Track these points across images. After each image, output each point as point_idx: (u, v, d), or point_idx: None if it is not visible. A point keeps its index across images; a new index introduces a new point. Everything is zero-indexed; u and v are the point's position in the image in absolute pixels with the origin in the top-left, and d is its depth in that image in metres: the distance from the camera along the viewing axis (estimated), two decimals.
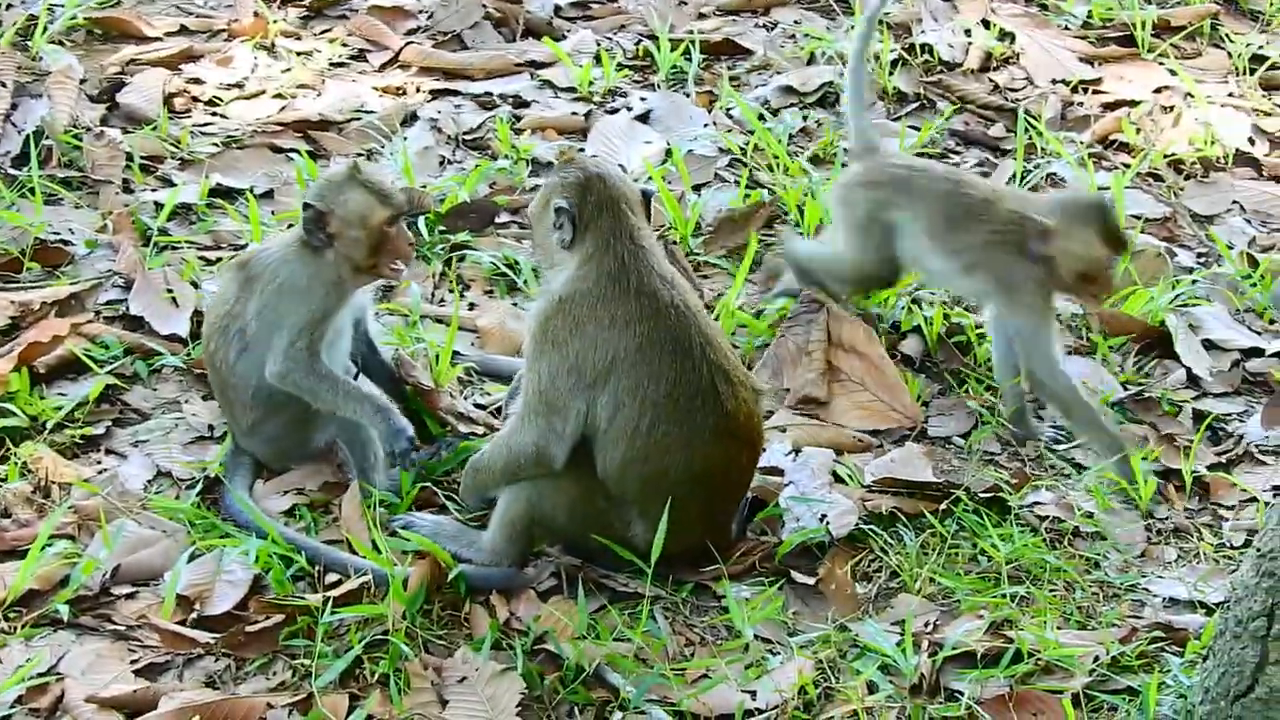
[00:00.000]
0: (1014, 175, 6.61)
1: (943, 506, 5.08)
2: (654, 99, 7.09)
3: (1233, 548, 5.12)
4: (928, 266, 5.64)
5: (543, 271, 4.94)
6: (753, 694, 4.48)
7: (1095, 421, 5.34)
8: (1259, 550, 4.05)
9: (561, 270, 4.81)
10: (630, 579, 4.79)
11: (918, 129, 6.93)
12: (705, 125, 6.93)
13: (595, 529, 4.76)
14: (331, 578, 4.75)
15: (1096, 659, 4.55)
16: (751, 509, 5.04)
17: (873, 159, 5.82)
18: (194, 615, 4.67)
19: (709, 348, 4.73)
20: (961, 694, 4.45)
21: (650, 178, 6.33)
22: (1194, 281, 6.15)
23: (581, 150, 6.70)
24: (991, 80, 7.42)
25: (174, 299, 5.75)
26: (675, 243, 6.17)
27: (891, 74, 7.28)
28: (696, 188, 6.54)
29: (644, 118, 6.99)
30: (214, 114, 6.85)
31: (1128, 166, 6.80)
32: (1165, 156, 6.92)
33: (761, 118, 6.90)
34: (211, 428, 5.30)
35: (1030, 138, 6.89)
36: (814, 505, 5.03)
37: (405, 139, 6.69)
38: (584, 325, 4.69)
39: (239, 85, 7.03)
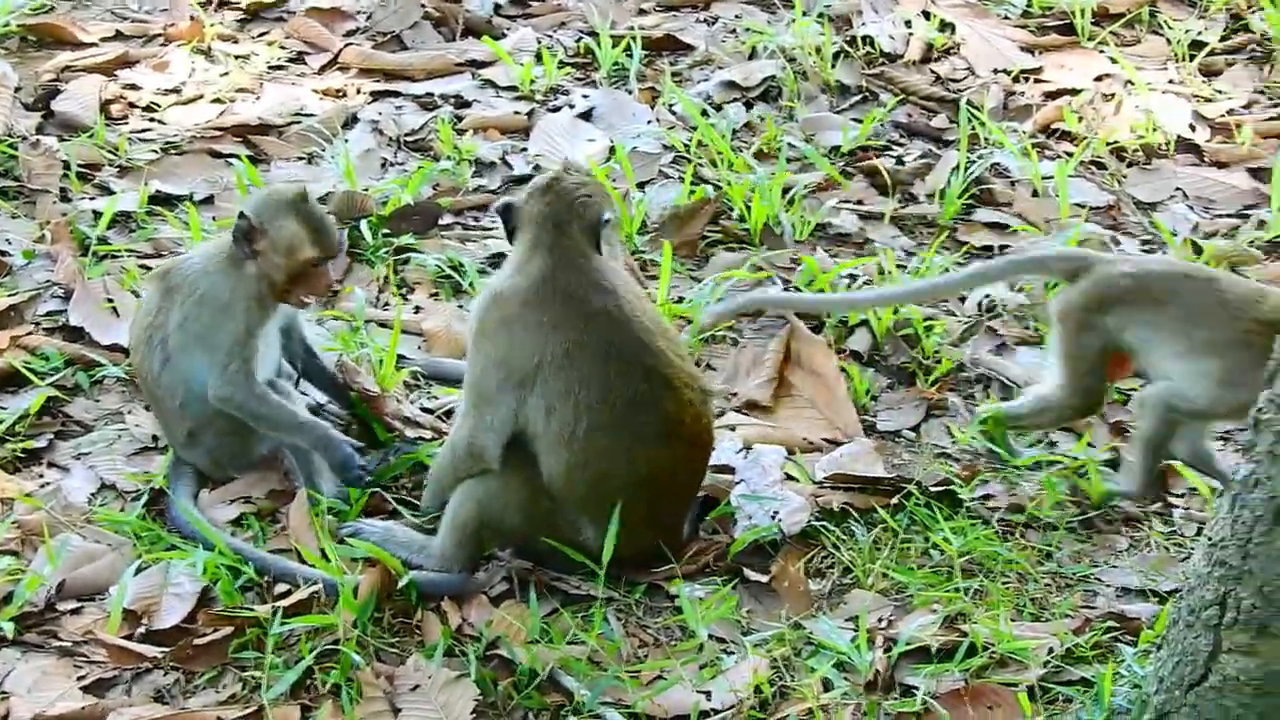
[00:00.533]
0: (957, 166, 6.60)
1: (894, 501, 5.07)
2: (596, 96, 7.06)
3: (1184, 536, 5.12)
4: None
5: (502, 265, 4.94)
6: (708, 694, 4.45)
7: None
8: (1210, 539, 4.04)
9: (508, 265, 4.81)
10: (582, 581, 4.76)
11: (860, 122, 6.91)
12: (648, 122, 6.90)
13: (545, 532, 4.73)
14: (281, 588, 4.70)
15: (1051, 651, 4.55)
16: (703, 508, 5.02)
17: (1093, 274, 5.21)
18: (141, 629, 4.62)
19: (646, 353, 4.70)
20: (917, 689, 4.44)
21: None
22: None
23: (524, 151, 6.67)
24: (933, 71, 7.42)
25: (114, 308, 5.70)
26: (620, 241, 6.13)
27: (833, 67, 7.26)
28: (641, 185, 6.51)
29: (587, 115, 6.96)
30: (152, 120, 6.78)
31: (1070, 155, 6.80)
32: (1108, 144, 6.92)
33: (704, 113, 6.88)
34: (155, 438, 5.25)
35: (973, 128, 6.88)
36: (766, 503, 5.01)
37: (346, 141, 6.64)
38: (512, 324, 4.68)
39: (176, 90, 6.97)
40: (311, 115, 6.81)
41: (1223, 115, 7.21)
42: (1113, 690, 4.29)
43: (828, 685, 4.49)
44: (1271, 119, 7.18)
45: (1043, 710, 4.35)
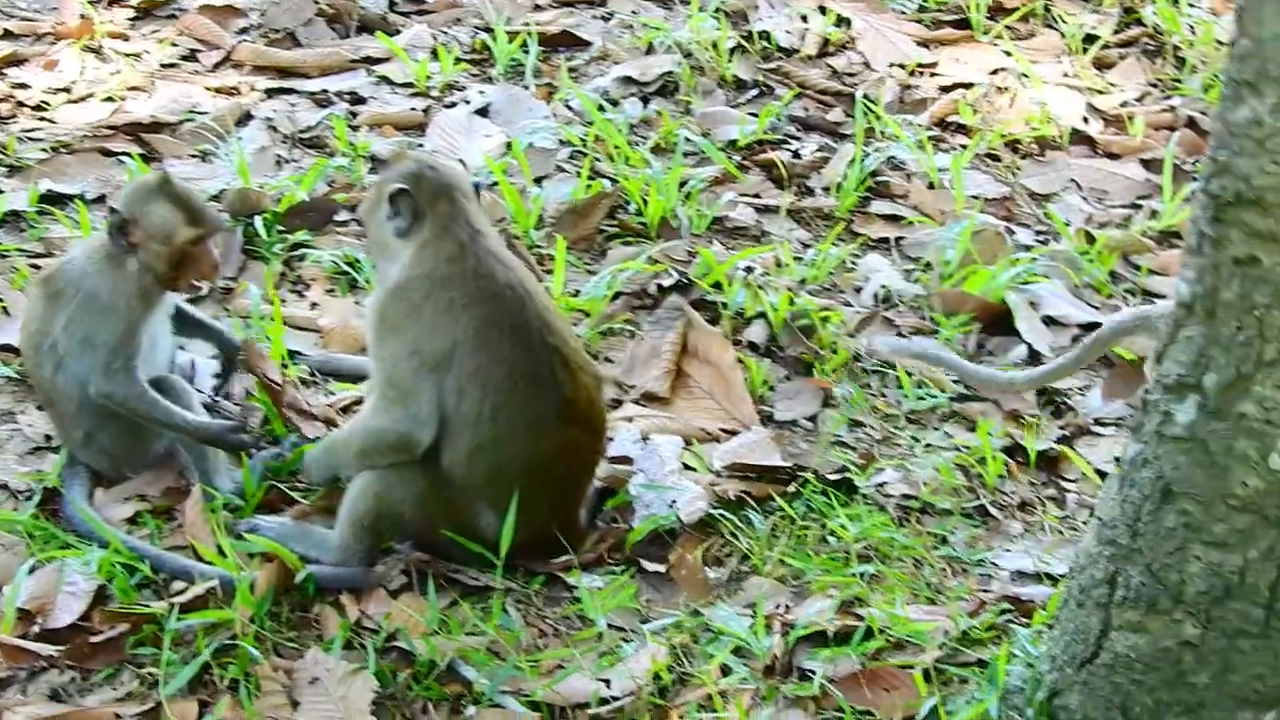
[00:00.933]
0: (853, 159, 6.64)
1: (791, 489, 5.09)
2: (493, 92, 7.05)
3: (1077, 520, 5.17)
4: None
5: (379, 266, 4.91)
6: (607, 682, 4.46)
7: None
8: (1100, 519, 4.09)
9: (398, 259, 4.79)
10: (481, 573, 4.75)
11: (757, 116, 6.94)
12: (545, 117, 6.90)
13: (443, 522, 4.73)
14: (178, 585, 4.67)
15: (946, 633, 4.58)
16: (600, 498, 5.03)
17: None
18: (36, 628, 4.57)
19: (547, 331, 4.72)
20: (814, 673, 4.46)
21: (490, 171, 6.31)
22: (1033, 259, 6.19)
23: (419, 147, 6.65)
24: (829, 66, 7.46)
25: (4, 308, 5.65)
26: (517, 237, 6.13)
27: (730, 62, 7.29)
28: (538, 180, 6.51)
29: (483, 111, 6.96)
30: (42, 119, 6.73)
31: (966, 148, 6.86)
32: (1002, 137, 6.98)
33: (601, 109, 6.89)
34: (48, 437, 5.20)
35: (869, 122, 6.92)
36: (663, 492, 5.02)
37: (240, 139, 6.61)
38: (421, 310, 4.68)
39: (67, 89, 6.91)
40: (204, 113, 6.77)
41: (1115, 108, 7.29)
42: (1007, 670, 4.32)
43: (726, 671, 4.50)
44: (1163, 111, 7.26)
45: (938, 691, 4.37)
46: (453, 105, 7.01)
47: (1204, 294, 3.81)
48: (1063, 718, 4.15)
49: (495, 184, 6.25)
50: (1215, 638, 3.94)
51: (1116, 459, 5.26)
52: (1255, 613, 3.91)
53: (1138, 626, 4.00)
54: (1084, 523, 5.13)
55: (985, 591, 4.82)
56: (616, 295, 5.91)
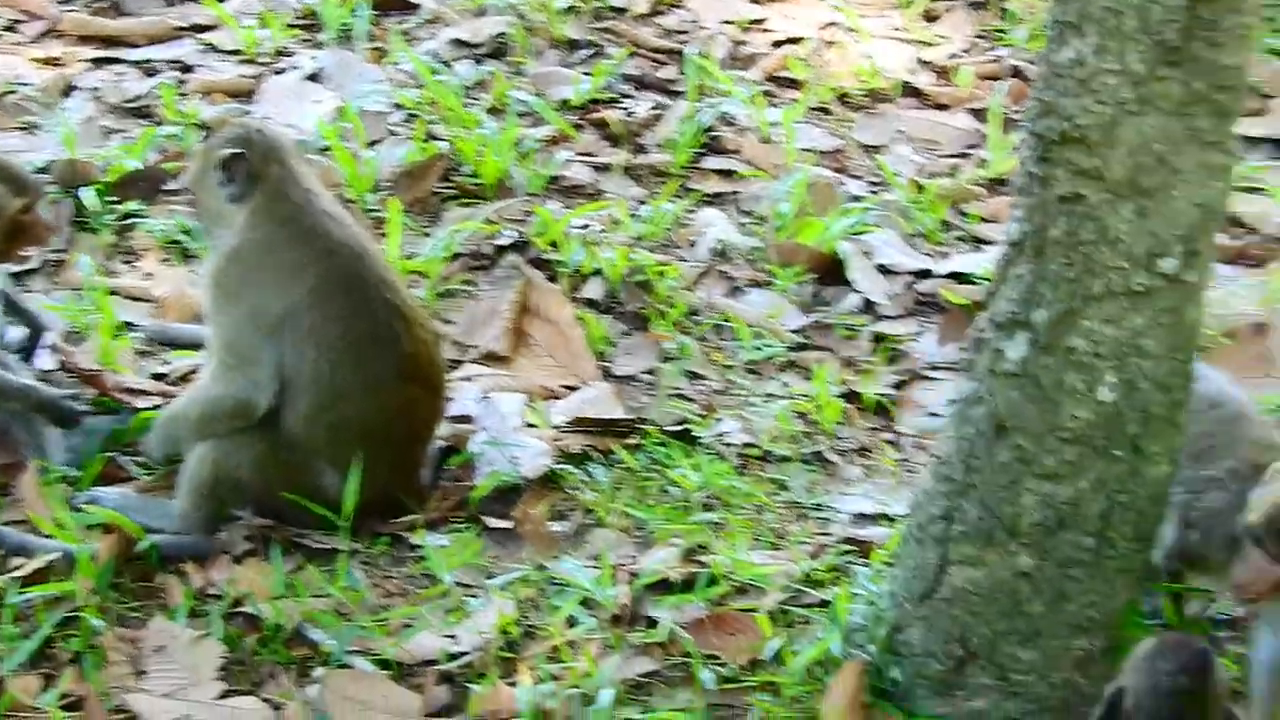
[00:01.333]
0: (686, 115, 6.68)
1: (633, 441, 5.13)
2: (323, 57, 7.01)
3: (914, 462, 5.25)
4: None
5: (211, 233, 4.88)
6: (454, 638, 4.47)
7: None
8: (937, 458, 4.16)
9: (231, 225, 4.76)
10: (325, 536, 4.74)
11: (590, 75, 6.96)
12: (377, 81, 6.87)
13: (285, 486, 4.71)
14: (17, 560, 4.61)
15: (789, 576, 4.64)
16: (442, 456, 5.03)
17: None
18: None
19: (385, 288, 4.73)
20: (661, 620, 4.50)
21: (324, 136, 6.28)
22: (865, 210, 6.27)
23: (249, 114, 6.59)
24: (660, 24, 7.48)
25: None
26: (352, 201, 6.10)
27: (562, 22, 7.30)
28: (371, 144, 6.48)
29: (314, 77, 6.91)
30: None
31: (797, 102, 6.92)
32: (833, 90, 7.05)
33: (434, 71, 6.86)
34: None
35: (701, 79, 6.96)
36: (506, 449, 5.04)
37: (66, 110, 6.51)
38: (258, 274, 4.66)
39: None
40: (28, 84, 6.66)
41: (943, 59, 7.38)
42: (849, 609, 4.39)
43: (573, 622, 4.52)
44: (989, 62, 7.36)
45: (783, 633, 4.43)
46: (283, 71, 6.95)
47: (1033, 232, 3.89)
48: (904, 652, 4.22)
49: (328, 148, 6.22)
50: (1050, 568, 4.03)
51: (951, 402, 5.40)
52: (1087, 542, 4.01)
53: (975, 560, 4.08)
54: (921, 465, 5.21)
55: (825, 535, 4.89)
56: (454, 256, 5.90)
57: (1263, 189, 6.41)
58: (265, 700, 4.26)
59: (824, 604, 4.53)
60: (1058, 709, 4.15)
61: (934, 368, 5.67)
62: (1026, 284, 3.92)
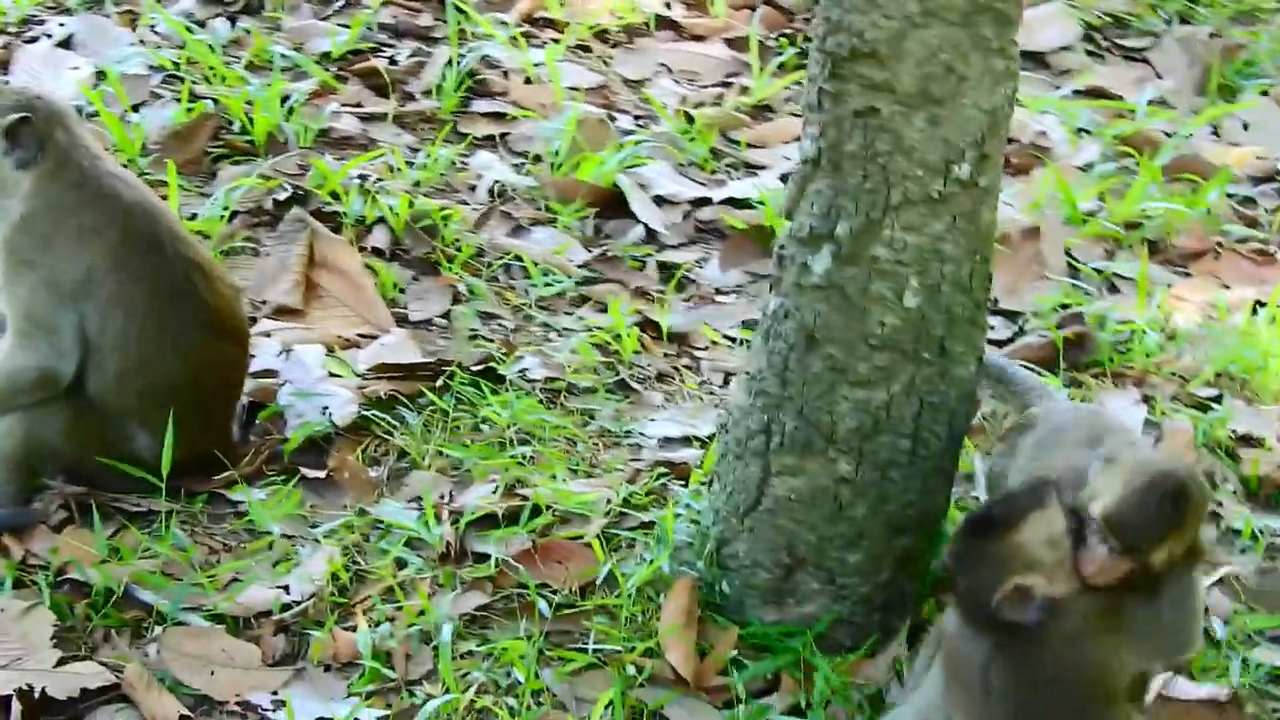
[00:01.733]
0: (449, 61, 6.71)
1: (439, 383, 5.18)
2: (73, 23, 6.88)
3: (713, 384, 5.38)
4: None
5: None
6: (286, 588, 4.50)
7: None
8: (749, 374, 4.28)
9: (17, 193, 4.69)
10: (142, 498, 4.72)
11: (347, 27, 6.95)
12: (132, 44, 6.78)
13: (97, 450, 4.68)
14: None
15: (609, 502, 4.74)
16: (250, 412, 5.03)
17: None
18: None
19: (181, 244, 4.75)
20: (489, 554, 4.57)
21: (90, 101, 6.20)
22: (637, 143, 6.37)
23: (5, 83, 6.47)
24: None
25: None
26: (125, 165, 6.03)
27: None
28: (135, 107, 6.40)
29: (66, 44, 6.79)
30: None
31: (557, 41, 6.99)
32: (590, 29, 7.13)
33: (189, 30, 6.80)
34: None
35: (460, 23, 6.99)
36: (313, 399, 5.06)
37: None
38: (52, 240, 4.62)
39: None
40: None
41: None
42: (674, 528, 4.50)
43: (402, 564, 4.57)
44: None
45: (612, 557, 4.53)
46: (34, 40, 6.82)
47: (829, 148, 4.02)
48: (732, 565, 4.35)
49: (95, 113, 6.14)
50: (868, 471, 4.19)
51: (744, 323, 5.58)
52: (902, 443, 4.17)
53: (796, 469, 4.21)
54: (720, 386, 5.34)
55: (638, 460, 4.99)
56: (233, 215, 5.88)
57: (1019, 100, 6.63)
58: (103, 664, 4.24)
59: (647, 526, 4.64)
60: (883, 607, 4.32)
61: (720, 292, 5.80)
62: (826, 198, 4.05)
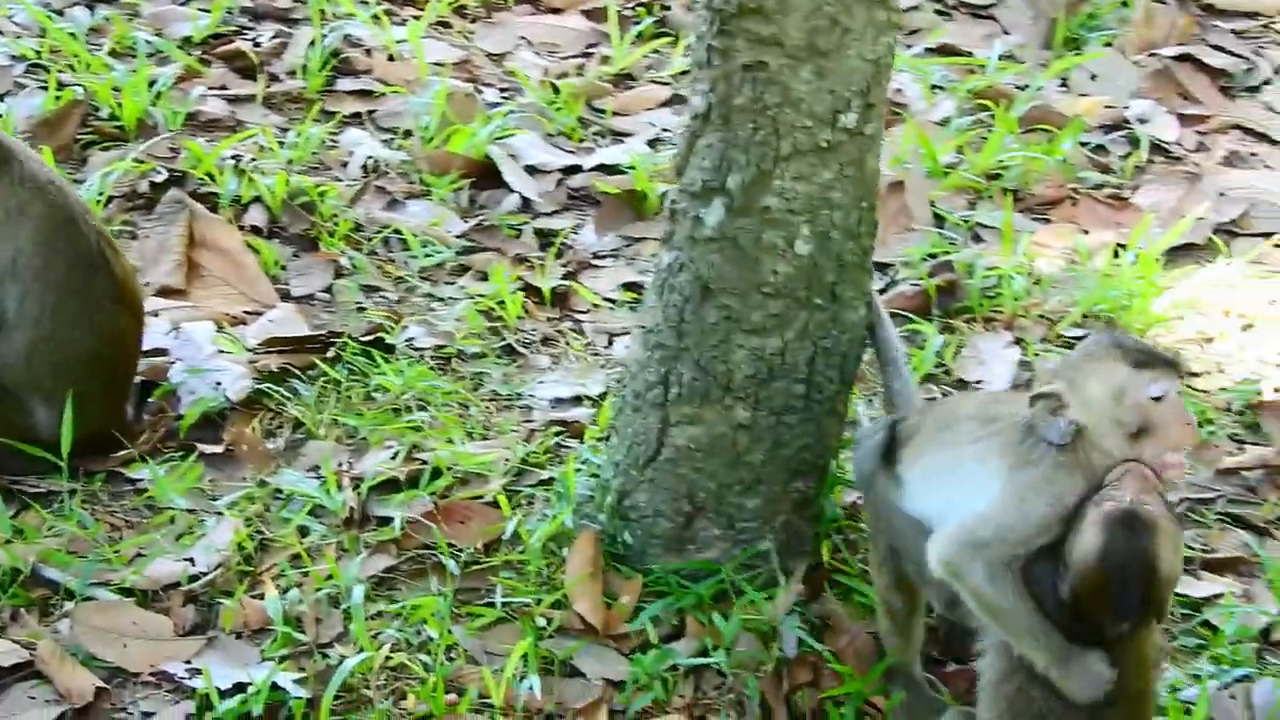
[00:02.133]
0: (312, 41, 6.74)
1: (330, 355, 5.23)
2: None
3: (597, 345, 5.47)
4: None
5: None
6: (192, 560, 4.54)
7: None
8: (645, 328, 4.38)
9: None
10: (40, 479, 4.75)
11: (208, 11, 6.96)
12: None
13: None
14: None
15: (508, 461, 4.83)
16: (144, 391, 5.06)
17: None
18: None
19: (90, 216, 4.84)
20: (392, 518, 4.64)
21: None
22: (506, 114, 6.44)
23: None
24: None
25: None
26: None
27: None
28: (0, 97, 6.39)
29: None
30: None
31: (418, 18, 7.03)
32: (450, 4, 7.18)
33: (50, 19, 6.77)
34: None
35: (321, 3, 7.01)
36: (206, 375, 5.09)
37: None
38: None
39: None
40: None
41: None
42: (574, 483, 4.60)
43: (306, 531, 4.64)
44: None
45: (515, 514, 4.62)
46: None
47: (718, 102, 4.12)
48: (634, 516, 4.45)
49: None
50: (765, 417, 4.31)
51: (624, 285, 5.68)
52: (797, 389, 4.30)
53: (694, 418, 4.32)
54: (605, 347, 5.44)
55: (531, 421, 5.08)
56: (109, 199, 5.89)
57: None
58: (15, 642, 4.26)
59: (547, 483, 4.73)
60: (780, 550, 4.44)
61: (598, 256, 5.90)
62: (717, 152, 4.15)
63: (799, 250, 4.18)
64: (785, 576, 4.41)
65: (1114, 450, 3.74)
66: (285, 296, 5.60)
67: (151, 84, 6.41)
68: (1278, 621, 4.56)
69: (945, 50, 7.08)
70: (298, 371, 5.18)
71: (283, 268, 5.72)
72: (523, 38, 7.13)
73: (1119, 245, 5.86)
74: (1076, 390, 3.76)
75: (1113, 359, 3.75)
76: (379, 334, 5.34)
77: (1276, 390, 5.33)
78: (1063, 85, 6.98)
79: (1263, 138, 6.76)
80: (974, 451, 3.91)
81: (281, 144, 6.25)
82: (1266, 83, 7.12)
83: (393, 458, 4.84)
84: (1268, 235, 6.02)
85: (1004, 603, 3.73)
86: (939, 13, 7.42)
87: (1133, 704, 3.79)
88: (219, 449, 4.94)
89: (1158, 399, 3.72)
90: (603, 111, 6.66)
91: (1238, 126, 6.82)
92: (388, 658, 4.27)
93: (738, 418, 4.30)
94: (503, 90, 6.77)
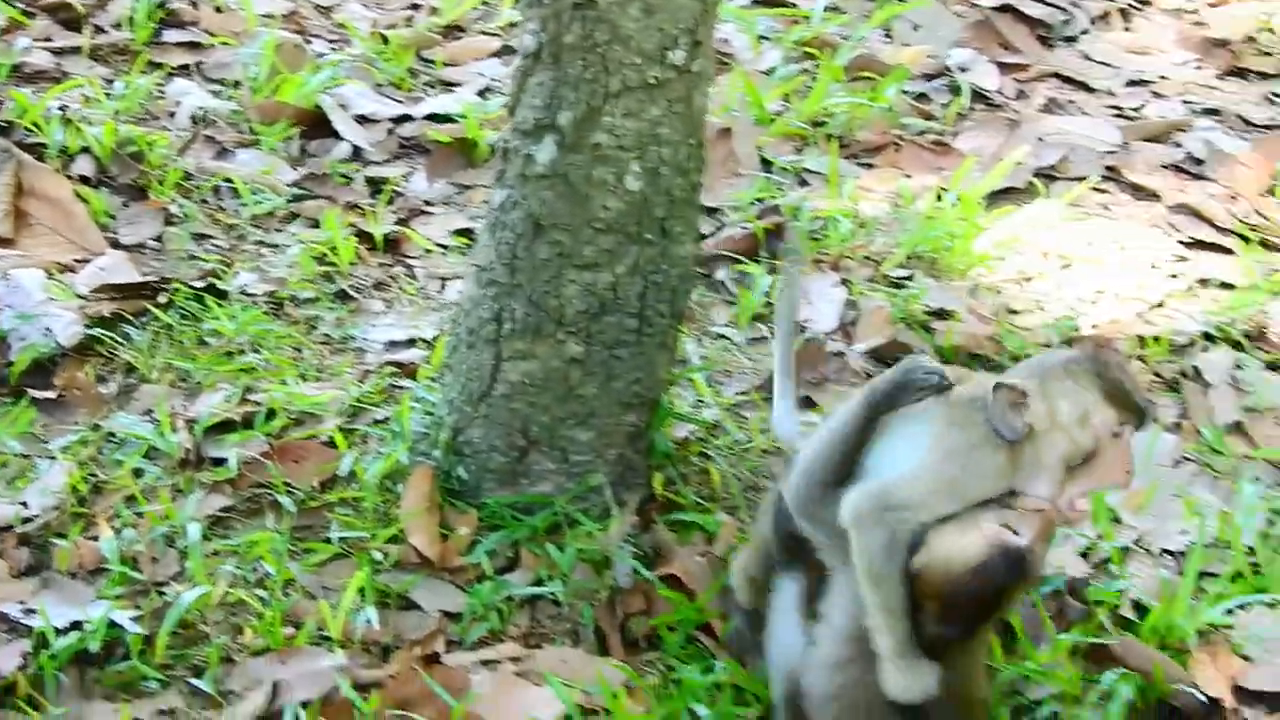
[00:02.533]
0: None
1: (163, 300, 5.23)
2: None
3: (429, 290, 5.51)
4: None
5: None
6: (25, 504, 4.53)
7: None
8: (478, 265, 4.43)
9: None
10: None
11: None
12: None
13: None
14: None
15: (342, 402, 4.86)
16: None
17: None
18: None
19: None
20: (227, 458, 4.66)
21: None
22: (336, 64, 6.45)
23: None
24: None
25: None
26: None
27: None
28: None
29: None
30: None
31: None
32: None
33: None
34: None
35: None
36: (36, 321, 5.07)
37: None
38: None
39: None
40: None
41: None
42: (409, 420, 4.65)
43: (140, 473, 4.64)
44: None
45: (351, 453, 4.66)
46: None
47: (549, 41, 4.18)
48: (468, 452, 4.51)
49: None
50: (597, 351, 4.38)
51: (454, 231, 5.73)
52: (629, 323, 4.37)
53: (527, 354, 4.38)
54: (437, 291, 5.49)
55: (365, 364, 5.12)
56: None
57: None
58: None
59: (382, 422, 4.77)
60: (613, 482, 4.52)
61: (429, 203, 5.93)
62: (548, 89, 4.21)
63: (629, 186, 4.25)
64: (618, 508, 4.49)
65: (1052, 464, 3.81)
66: (115, 245, 5.57)
67: None
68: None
69: (770, 2, 7.18)
70: (130, 317, 5.17)
71: (112, 217, 5.69)
72: None
73: (941, 189, 6.00)
74: (1045, 397, 3.80)
75: (1092, 385, 3.81)
76: (212, 280, 5.34)
77: (1094, 326, 5.49)
78: (886, 35, 7.12)
79: (1080, 85, 6.95)
80: (923, 415, 3.93)
81: (108, 95, 6.21)
82: (1084, 32, 7.32)
83: (227, 400, 4.86)
84: (1084, 179, 6.19)
85: (887, 573, 3.76)
86: None
87: (962, 714, 3.87)
88: (51, 394, 4.92)
89: (1115, 435, 3.81)
90: (432, 62, 6.70)
91: (1056, 75, 7.01)
92: (225, 594, 4.30)
93: (570, 352, 4.37)
94: (332, 42, 6.78)
